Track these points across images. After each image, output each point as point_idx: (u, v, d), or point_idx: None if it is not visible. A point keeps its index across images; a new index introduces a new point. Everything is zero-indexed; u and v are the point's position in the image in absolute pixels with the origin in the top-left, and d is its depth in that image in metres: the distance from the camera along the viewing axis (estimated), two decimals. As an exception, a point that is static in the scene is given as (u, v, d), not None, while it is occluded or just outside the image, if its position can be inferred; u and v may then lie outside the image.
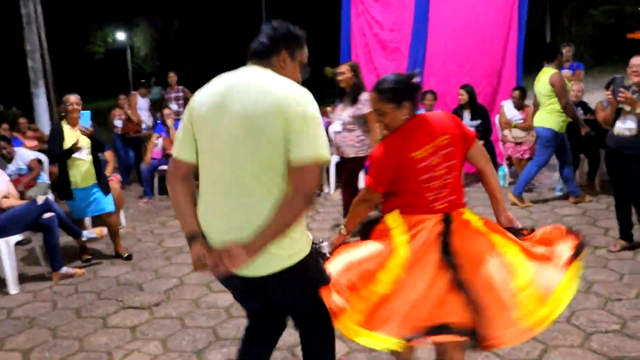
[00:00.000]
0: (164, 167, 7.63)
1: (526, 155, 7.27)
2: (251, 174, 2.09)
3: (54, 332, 4.06)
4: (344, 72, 5.46)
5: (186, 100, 9.82)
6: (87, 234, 5.33)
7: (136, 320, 4.17)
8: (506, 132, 7.55)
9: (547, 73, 6.22)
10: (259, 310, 2.57)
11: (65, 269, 5.03)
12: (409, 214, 2.65)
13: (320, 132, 2.08)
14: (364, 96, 5.27)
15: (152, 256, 5.55)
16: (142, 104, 9.26)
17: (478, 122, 7.49)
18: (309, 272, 2.34)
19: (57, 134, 5.28)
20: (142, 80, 10.39)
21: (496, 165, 7.47)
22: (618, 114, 4.77)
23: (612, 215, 5.84)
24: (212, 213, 2.22)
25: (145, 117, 9.13)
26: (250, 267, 2.13)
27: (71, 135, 5.27)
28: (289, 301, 2.44)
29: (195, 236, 2.23)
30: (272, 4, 27.54)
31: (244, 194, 2.12)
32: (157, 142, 7.90)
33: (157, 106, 9.72)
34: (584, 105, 7.09)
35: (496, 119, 7.83)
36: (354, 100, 5.36)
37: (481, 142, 7.37)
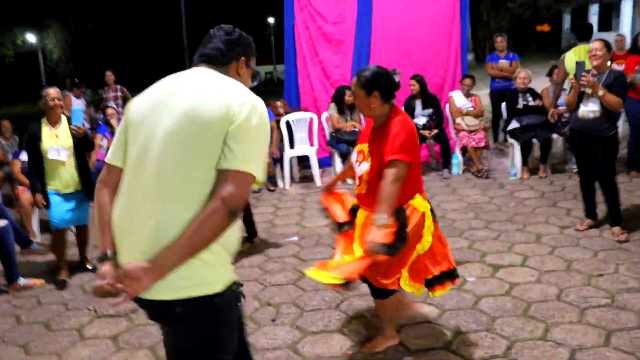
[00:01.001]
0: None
1: (481, 144, 7.40)
2: (176, 176, 1.83)
3: (26, 349, 3.73)
4: None
5: (125, 99, 9.44)
6: (35, 245, 5.00)
7: (115, 329, 3.90)
8: (459, 120, 7.66)
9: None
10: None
11: (23, 281, 4.67)
12: (422, 195, 3.10)
13: (260, 149, 1.88)
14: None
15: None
16: (77, 105, 8.79)
17: (430, 111, 7.58)
18: (213, 318, 1.90)
19: (32, 135, 4.68)
20: (76, 80, 9.88)
21: (449, 153, 7.58)
22: (581, 97, 4.91)
23: (570, 197, 6.08)
24: (127, 222, 1.91)
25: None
26: (155, 287, 1.81)
27: (50, 136, 4.67)
28: (176, 347, 1.96)
29: (107, 256, 1.93)
30: (191, 3, 27.00)
31: (168, 200, 1.82)
32: (102, 144, 7.49)
33: (94, 107, 9.28)
34: (532, 91, 7.30)
35: (446, 109, 7.94)
36: None
37: (435, 131, 7.47)
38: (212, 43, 2.05)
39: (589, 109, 4.85)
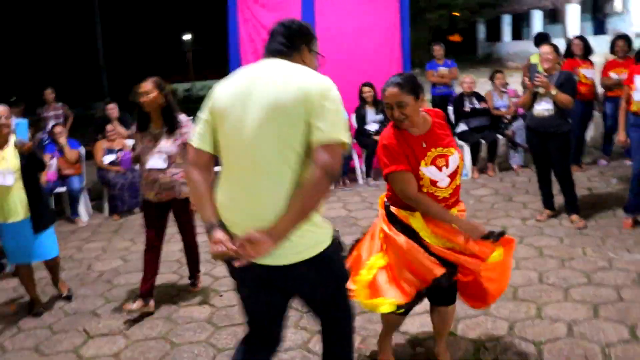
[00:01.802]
0: (61, 189, 7.06)
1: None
2: (273, 159, 2.11)
3: (25, 375, 3.62)
4: (148, 90, 4.10)
5: (66, 117, 9.16)
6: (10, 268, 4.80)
7: (114, 347, 3.82)
8: (407, 125, 7.94)
9: None
10: (266, 309, 2.46)
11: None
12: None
13: (341, 118, 2.13)
14: (184, 118, 4.26)
15: (88, 281, 5.10)
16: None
17: (381, 116, 7.85)
18: (332, 265, 2.33)
19: None
20: (13, 99, 9.49)
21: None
22: (534, 97, 5.28)
23: (522, 192, 6.48)
24: (233, 200, 2.22)
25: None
26: (272, 255, 2.10)
27: None
28: (309, 294, 2.42)
29: (214, 225, 2.19)
30: (106, 21, 26.35)
31: (266, 178, 2.12)
32: (52, 163, 7.26)
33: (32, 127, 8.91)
34: (477, 95, 7.71)
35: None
36: (172, 127, 4.17)
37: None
38: (276, 38, 2.31)
39: (543, 107, 5.22)
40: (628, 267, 4.25)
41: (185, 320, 4.13)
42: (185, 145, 3.90)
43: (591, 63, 7.22)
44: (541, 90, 5.17)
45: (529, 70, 5.22)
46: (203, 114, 2.31)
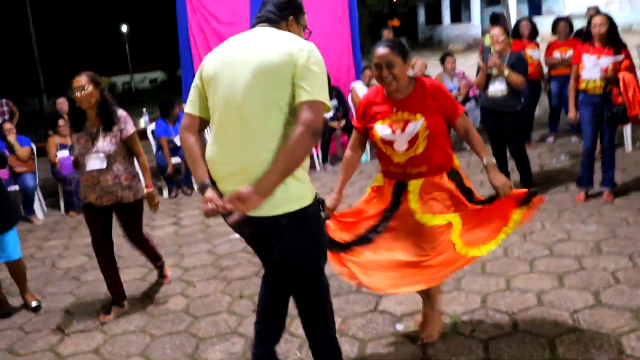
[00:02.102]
0: (14, 187, 6.85)
1: (386, 130, 7.86)
2: (261, 117, 2.27)
3: (2, 376, 3.55)
4: (83, 85, 3.82)
5: (12, 114, 8.86)
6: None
7: (93, 343, 3.78)
8: (363, 110, 8.05)
9: None
10: (266, 257, 2.76)
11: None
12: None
13: (323, 81, 2.28)
14: (122, 113, 4.00)
15: (53, 280, 5.01)
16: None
17: (335, 102, 7.93)
18: (310, 225, 2.46)
19: None
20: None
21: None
22: (488, 79, 5.46)
23: (477, 171, 6.68)
24: (223, 156, 2.39)
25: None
26: (262, 207, 2.24)
27: None
28: (286, 252, 2.53)
29: (206, 184, 2.36)
30: (39, 12, 25.45)
31: (254, 135, 2.28)
32: (2, 162, 7.03)
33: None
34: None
35: (349, 100, 8.33)
36: (109, 123, 3.92)
37: (343, 121, 7.84)
38: (266, 6, 2.48)
39: (497, 88, 5.41)
40: (585, 237, 4.49)
41: (161, 312, 4.12)
42: (125, 142, 3.96)
43: (537, 44, 7.50)
44: (494, 71, 5.35)
45: (482, 51, 5.40)
46: (195, 79, 2.48)
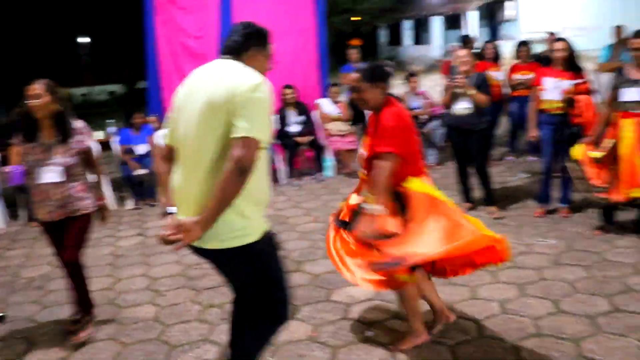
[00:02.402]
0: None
1: (352, 146, 8.03)
2: (207, 153, 2.33)
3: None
4: (39, 93, 3.64)
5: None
6: None
7: (61, 352, 3.72)
8: (330, 126, 8.22)
9: None
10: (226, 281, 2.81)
11: None
12: (419, 177, 3.15)
13: (262, 116, 2.29)
14: (80, 124, 3.84)
15: (17, 288, 4.93)
16: None
17: (303, 118, 8.05)
18: (254, 261, 2.49)
19: None
20: None
21: (322, 157, 8.11)
22: (455, 97, 5.66)
23: (440, 187, 6.83)
24: (179, 187, 2.48)
25: None
26: (201, 239, 2.33)
27: None
28: (233, 282, 2.70)
29: (164, 212, 2.51)
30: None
31: (201, 170, 2.35)
32: (-38, 170, 6.91)
33: None
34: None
35: (315, 116, 8.45)
36: (65, 135, 3.73)
37: (310, 137, 7.95)
38: (231, 36, 2.52)
39: (463, 106, 5.61)
40: (545, 251, 4.68)
41: (131, 320, 4.11)
42: (82, 154, 3.80)
43: (500, 66, 7.79)
44: (460, 90, 5.55)
45: (450, 71, 5.60)
46: (171, 112, 2.57)
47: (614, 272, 4.16)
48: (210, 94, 2.32)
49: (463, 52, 5.67)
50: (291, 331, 3.70)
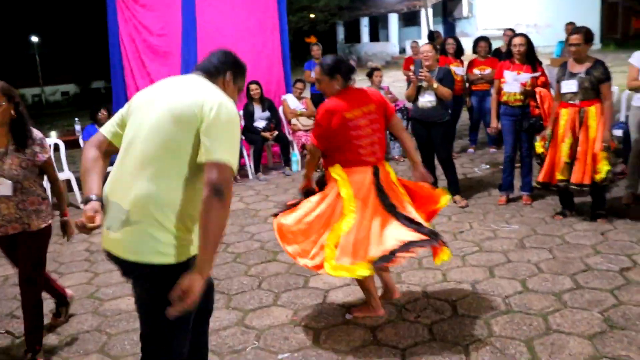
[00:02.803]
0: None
1: (318, 140, 8.16)
2: (153, 160, 2.19)
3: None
4: None
5: None
6: None
7: (46, 344, 3.75)
8: (294, 121, 8.36)
9: None
10: None
11: None
12: (348, 167, 3.54)
13: (230, 139, 2.20)
14: (38, 134, 3.49)
15: (-8, 287, 4.93)
16: None
17: (268, 114, 8.16)
18: (164, 289, 2.14)
19: None
20: None
21: (289, 152, 8.24)
22: (419, 91, 5.87)
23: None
24: (116, 185, 2.29)
25: None
26: (122, 247, 2.22)
27: None
28: (139, 302, 2.39)
29: (90, 198, 2.26)
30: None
31: (142, 176, 2.19)
32: None
33: None
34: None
35: (280, 111, 8.58)
36: (22, 144, 3.38)
37: (276, 132, 8.07)
38: (210, 58, 2.49)
39: (427, 99, 5.83)
40: (509, 235, 4.94)
41: (114, 312, 4.17)
42: (39, 167, 3.49)
43: (461, 61, 8.06)
44: (424, 84, 5.76)
45: (414, 66, 5.80)
46: (123, 107, 2.46)
47: (575, 253, 4.44)
48: (175, 105, 2.24)
49: (426, 47, 5.88)
50: (273, 316, 3.85)
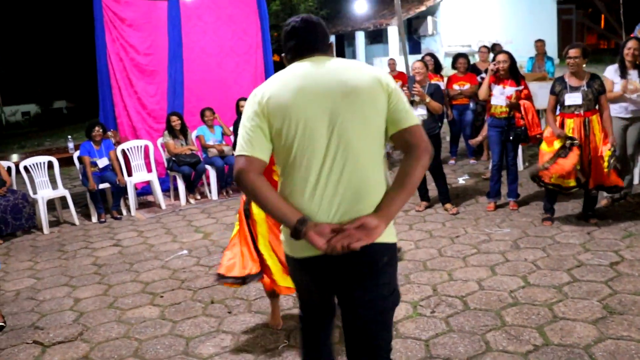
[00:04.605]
0: None
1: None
2: (361, 146, 2.16)
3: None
4: None
5: None
6: None
7: (79, 351, 3.92)
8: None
9: None
10: (325, 297, 2.51)
11: None
12: None
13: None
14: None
15: (7, 301, 4.98)
16: None
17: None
18: (396, 264, 2.34)
19: None
20: None
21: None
22: (411, 105, 6.22)
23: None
24: (319, 195, 2.17)
25: None
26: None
27: None
28: (370, 290, 2.26)
29: (305, 219, 2.12)
30: None
31: (356, 166, 2.16)
32: None
33: None
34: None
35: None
36: None
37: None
38: (312, 35, 2.31)
39: (419, 113, 6.18)
40: (503, 238, 5.30)
41: (138, 320, 4.35)
42: None
43: (441, 77, 8.48)
44: (417, 98, 6.13)
45: (409, 81, 6.16)
46: (253, 118, 2.21)
47: (567, 251, 4.82)
48: (354, 84, 2.17)
49: (417, 64, 6.26)
50: (295, 319, 4.09)
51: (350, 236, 2.07)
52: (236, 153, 2.23)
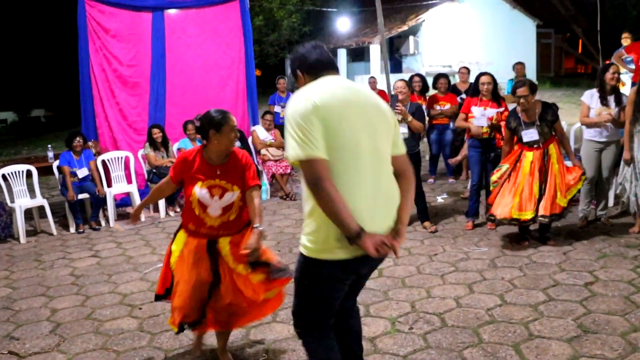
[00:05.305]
0: None
1: (287, 171, 8.52)
2: (388, 159, 2.54)
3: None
4: None
5: None
6: None
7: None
8: (264, 151, 8.68)
9: None
10: (350, 293, 2.80)
11: None
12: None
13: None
14: None
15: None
16: None
17: (239, 144, 8.43)
18: None
19: None
20: None
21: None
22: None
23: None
24: (366, 201, 2.40)
25: None
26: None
27: None
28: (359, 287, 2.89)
29: (363, 230, 2.31)
30: None
31: (388, 180, 2.53)
32: None
33: None
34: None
35: (250, 142, 8.89)
36: None
37: (248, 162, 8.34)
38: (327, 54, 2.58)
39: (400, 131, 6.26)
40: (481, 257, 5.38)
41: (116, 331, 4.32)
42: None
43: (425, 98, 8.60)
44: (399, 117, 6.21)
45: (391, 99, 6.25)
46: (311, 121, 2.29)
47: (543, 270, 4.91)
48: (379, 107, 2.53)
49: (399, 84, 6.35)
50: (276, 332, 4.11)
51: (393, 245, 2.43)
52: (303, 152, 2.28)
